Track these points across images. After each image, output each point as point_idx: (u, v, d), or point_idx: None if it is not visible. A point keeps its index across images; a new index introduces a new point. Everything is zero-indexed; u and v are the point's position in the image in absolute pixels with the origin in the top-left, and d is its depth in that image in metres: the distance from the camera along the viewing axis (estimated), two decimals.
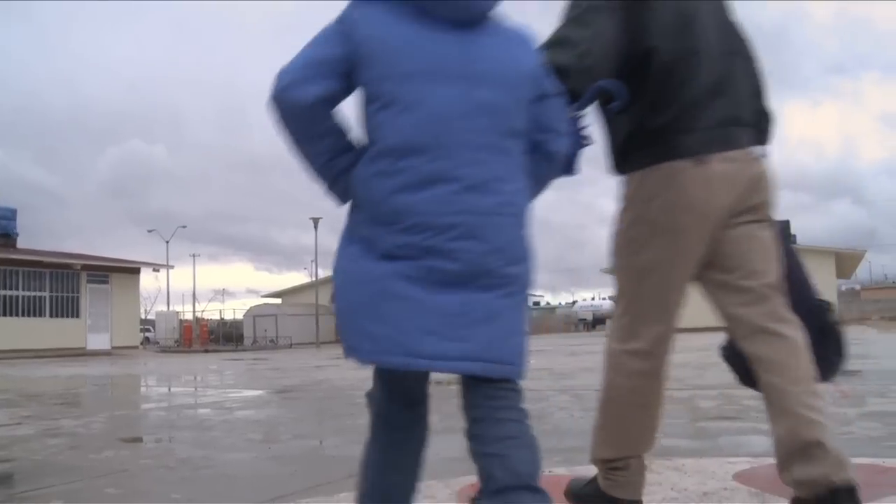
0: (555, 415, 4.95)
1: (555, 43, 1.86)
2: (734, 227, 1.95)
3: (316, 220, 38.14)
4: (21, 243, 29.18)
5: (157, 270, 36.24)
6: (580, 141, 1.80)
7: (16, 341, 25.04)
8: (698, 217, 1.91)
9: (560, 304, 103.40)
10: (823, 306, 2.11)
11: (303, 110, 1.48)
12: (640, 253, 1.99)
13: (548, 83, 1.60)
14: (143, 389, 10.25)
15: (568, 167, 1.81)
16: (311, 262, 53.04)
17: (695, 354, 12.30)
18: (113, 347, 28.82)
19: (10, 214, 29.63)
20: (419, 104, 1.42)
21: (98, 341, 28.59)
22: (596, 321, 62.12)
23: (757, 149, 2.02)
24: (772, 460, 3.03)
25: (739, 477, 2.69)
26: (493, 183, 1.44)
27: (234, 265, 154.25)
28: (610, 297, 2.19)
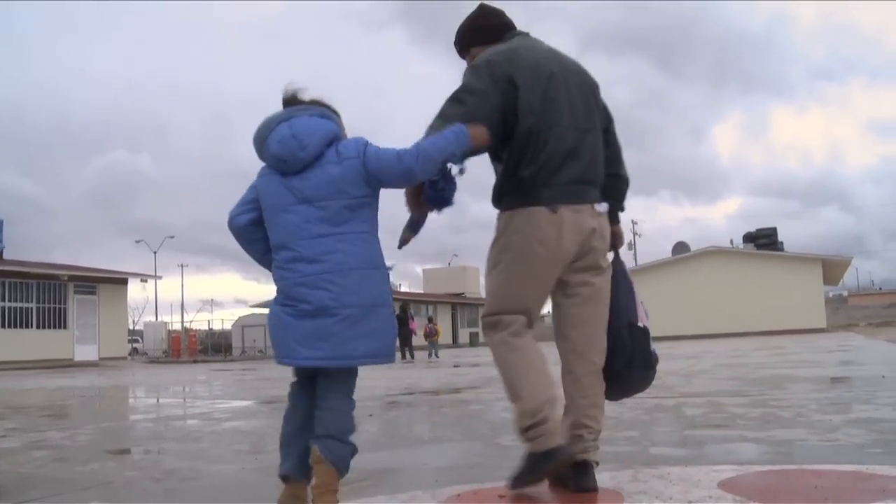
0: None
1: (438, 116, 2.57)
2: (574, 273, 2.63)
3: None
4: (6, 255, 28.99)
5: (145, 281, 36.08)
6: (450, 183, 2.57)
7: (2, 353, 24.88)
8: (549, 250, 2.54)
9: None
10: (624, 331, 2.72)
11: (240, 230, 2.58)
12: (505, 271, 2.63)
13: (377, 156, 2.46)
14: (130, 401, 10.19)
15: (443, 201, 2.60)
16: None
17: (682, 362, 12.33)
18: (100, 358, 28.67)
19: None
20: (280, 221, 2.48)
21: (85, 352, 28.44)
22: None
23: (600, 205, 2.67)
24: (757, 468, 3.06)
25: (724, 485, 2.70)
26: (329, 256, 2.40)
27: (221, 275, 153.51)
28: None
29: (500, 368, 2.64)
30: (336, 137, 2.53)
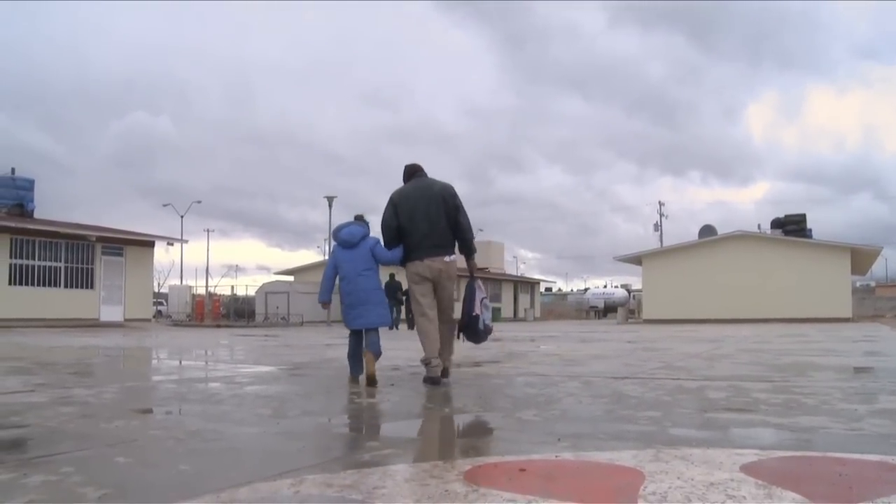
0: (563, 400, 4.95)
1: (382, 222, 6.31)
2: (436, 285, 6.13)
3: (331, 199, 38.33)
4: (35, 215, 29.37)
5: (171, 244, 36.36)
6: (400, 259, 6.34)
7: (31, 310, 25.34)
8: (422, 278, 6.07)
9: (572, 290, 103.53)
10: (466, 315, 6.25)
11: (333, 283, 6.61)
12: (413, 289, 6.15)
13: (375, 247, 6.43)
14: (154, 362, 10.34)
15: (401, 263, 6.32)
16: (324, 240, 53.19)
17: (705, 346, 12.28)
18: (126, 319, 29.08)
19: (27, 185, 29.82)
20: (343, 268, 6.39)
21: (111, 313, 28.85)
22: (607, 309, 61.98)
23: (448, 257, 6.07)
24: (780, 453, 3.03)
25: (746, 468, 2.68)
26: (363, 282, 6.30)
27: (244, 241, 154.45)
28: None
29: (420, 329, 6.03)
30: (367, 234, 6.37)
